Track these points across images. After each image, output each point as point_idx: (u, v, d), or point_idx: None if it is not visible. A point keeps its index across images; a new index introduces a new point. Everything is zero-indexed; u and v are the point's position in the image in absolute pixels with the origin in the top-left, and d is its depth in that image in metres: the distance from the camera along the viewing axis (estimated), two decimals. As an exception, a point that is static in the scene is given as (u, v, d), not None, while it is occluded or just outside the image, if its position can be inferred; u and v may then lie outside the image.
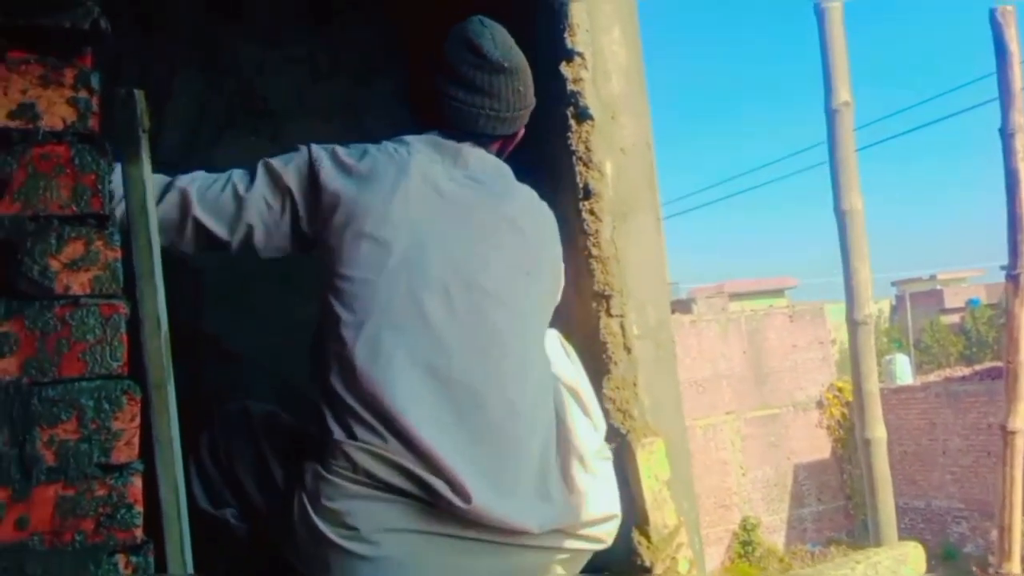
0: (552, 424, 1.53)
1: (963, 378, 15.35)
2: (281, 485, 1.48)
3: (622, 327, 1.94)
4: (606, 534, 1.60)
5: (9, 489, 0.97)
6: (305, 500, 1.39)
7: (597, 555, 1.67)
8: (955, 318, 23.36)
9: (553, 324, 1.66)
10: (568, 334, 1.73)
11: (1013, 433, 5.05)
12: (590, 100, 2.03)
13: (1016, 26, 4.88)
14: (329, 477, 1.37)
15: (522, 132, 1.69)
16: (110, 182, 1.06)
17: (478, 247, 1.50)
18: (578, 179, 2.00)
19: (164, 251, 1.27)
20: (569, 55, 2.04)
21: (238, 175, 1.50)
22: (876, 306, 17.62)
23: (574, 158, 2.02)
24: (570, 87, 2.03)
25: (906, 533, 11.48)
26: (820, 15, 6.62)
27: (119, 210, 1.25)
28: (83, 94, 1.04)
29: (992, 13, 4.89)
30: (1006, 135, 4.88)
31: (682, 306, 16.46)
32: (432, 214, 1.48)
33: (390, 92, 2.36)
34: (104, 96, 1.10)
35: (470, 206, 1.53)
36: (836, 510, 16.11)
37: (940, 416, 14.63)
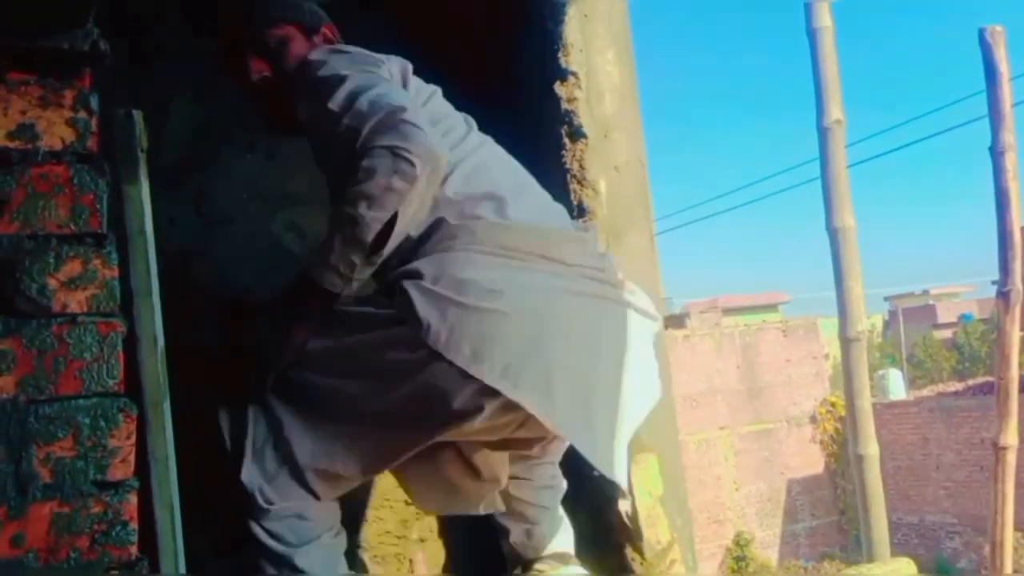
0: None
1: (956, 393, 15.38)
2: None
3: (615, 344, 1.95)
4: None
5: (5, 507, 0.98)
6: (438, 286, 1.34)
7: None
8: (948, 333, 23.44)
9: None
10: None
11: (1004, 449, 5.06)
12: (584, 119, 2.05)
13: (1005, 46, 4.91)
14: (460, 253, 1.38)
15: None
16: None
17: None
18: (572, 197, 2.02)
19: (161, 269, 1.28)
20: (563, 74, 2.07)
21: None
22: (869, 321, 17.66)
23: (568, 176, 2.03)
24: (564, 106, 2.06)
25: (900, 548, 11.50)
26: (812, 35, 6.69)
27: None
28: (82, 115, 1.06)
29: (981, 33, 4.93)
30: (996, 153, 4.91)
31: (676, 321, 16.46)
32: None
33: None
34: (103, 116, 1.11)
35: None
36: (830, 525, 16.10)
37: (933, 431, 14.65)
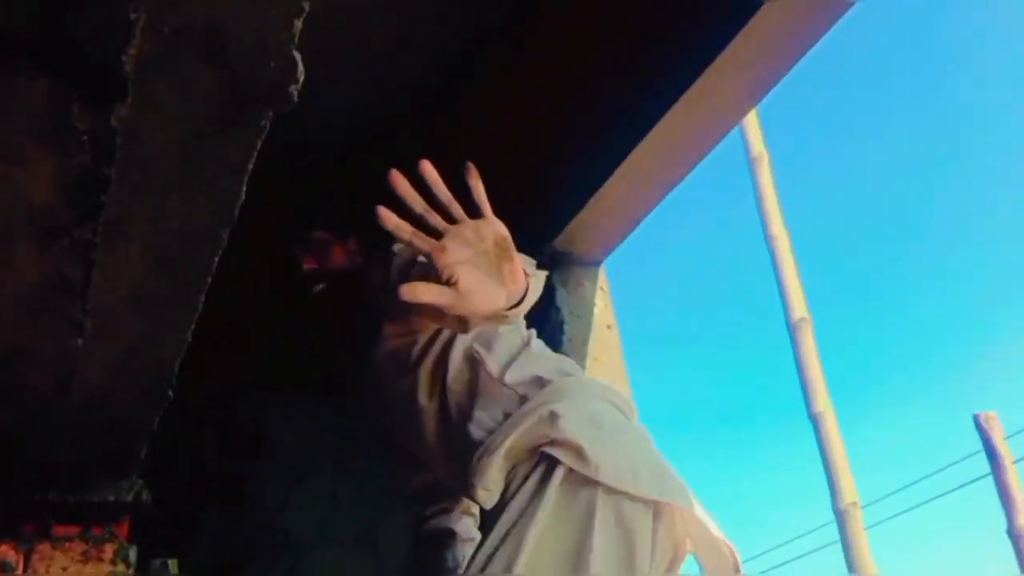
0: None
1: None
2: None
3: None
4: None
5: None
6: None
7: None
8: None
9: None
10: None
11: None
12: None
13: (1002, 430, 5.01)
14: None
15: None
16: None
17: None
18: None
19: None
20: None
21: None
22: None
23: None
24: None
25: None
26: (814, 419, 6.84)
27: None
28: (120, 568, 1.11)
29: (976, 419, 5.05)
30: (1014, 536, 4.81)
31: None
32: None
33: (404, 524, 2.43)
34: (140, 563, 1.16)
35: None
36: None
37: None
